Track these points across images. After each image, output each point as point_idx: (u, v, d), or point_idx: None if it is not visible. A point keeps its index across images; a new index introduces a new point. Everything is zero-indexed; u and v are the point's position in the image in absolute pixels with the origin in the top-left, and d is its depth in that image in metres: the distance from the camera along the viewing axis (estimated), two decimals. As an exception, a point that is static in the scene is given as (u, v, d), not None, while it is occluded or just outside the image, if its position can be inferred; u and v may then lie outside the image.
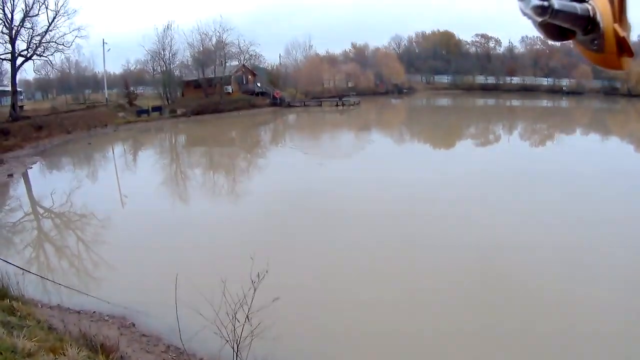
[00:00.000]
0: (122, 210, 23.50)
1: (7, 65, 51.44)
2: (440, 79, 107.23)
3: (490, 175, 27.50)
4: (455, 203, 21.21)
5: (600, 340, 10.72)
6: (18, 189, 28.77)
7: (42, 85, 75.55)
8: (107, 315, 11.98)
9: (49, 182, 30.03)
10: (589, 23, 1.22)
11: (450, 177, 26.83)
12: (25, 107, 56.47)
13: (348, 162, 33.82)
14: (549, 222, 18.49)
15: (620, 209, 19.49)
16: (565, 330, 11.14)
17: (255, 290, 6.84)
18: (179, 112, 64.75)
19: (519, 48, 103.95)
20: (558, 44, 1.42)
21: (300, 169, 32.22)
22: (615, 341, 10.61)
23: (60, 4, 50.85)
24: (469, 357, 10.64)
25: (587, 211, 19.68)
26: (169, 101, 69.01)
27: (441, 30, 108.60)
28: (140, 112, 62.75)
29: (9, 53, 48.23)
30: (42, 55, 51.75)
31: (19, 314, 9.14)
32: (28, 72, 75.27)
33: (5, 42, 47.94)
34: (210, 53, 73.11)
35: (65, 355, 6.75)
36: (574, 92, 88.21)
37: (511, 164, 31.43)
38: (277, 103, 75.58)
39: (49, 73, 65.22)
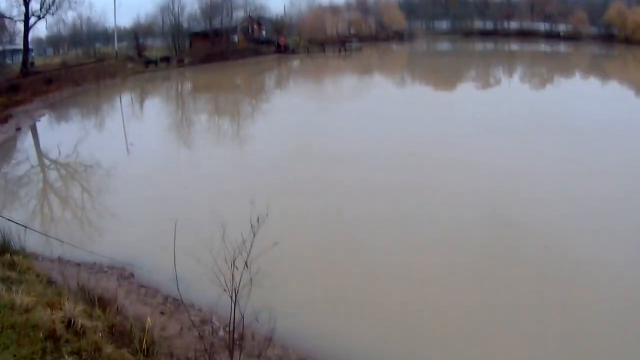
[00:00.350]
0: (127, 158, 23.19)
1: (20, 25, 50.83)
2: (440, 25, 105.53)
3: (492, 119, 26.83)
4: (456, 146, 20.97)
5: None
6: (26, 142, 28.49)
7: (54, 41, 75.11)
8: (107, 267, 11.71)
9: (57, 134, 29.71)
10: None
11: (452, 121, 26.40)
12: (36, 63, 56.04)
13: (350, 106, 33.27)
14: (550, 164, 18.23)
15: (622, 152, 18.98)
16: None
17: (254, 235, 6.27)
18: (186, 61, 64.35)
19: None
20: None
21: (302, 113, 31.77)
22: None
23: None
24: (470, 291, 10.65)
25: (590, 154, 19.32)
26: (177, 52, 68.49)
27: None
28: (148, 62, 62.33)
29: (22, 15, 47.81)
30: (54, 14, 51.70)
31: (18, 268, 8.95)
32: (40, 29, 75.43)
33: (20, 5, 47.63)
34: (218, 5, 72.52)
35: (62, 310, 6.46)
36: (571, 38, 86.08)
37: (512, 108, 30.64)
38: (282, 50, 75.93)
39: (60, 29, 65.22)
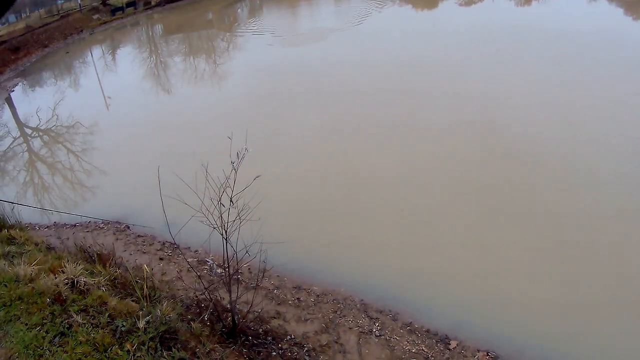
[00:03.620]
0: (107, 113, 22.85)
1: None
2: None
3: (477, 36, 25.75)
4: (444, 63, 20.47)
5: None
6: (4, 116, 27.89)
7: (15, 7, 72.00)
8: (103, 223, 11.81)
9: (33, 100, 29.00)
10: None
11: (437, 39, 25.67)
12: (0, 33, 54.02)
13: (328, 32, 31.79)
14: (539, 77, 17.75)
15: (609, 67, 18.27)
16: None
17: (236, 171, 6.28)
18: (153, 2, 61.79)
19: None
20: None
21: (277, 44, 30.55)
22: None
23: None
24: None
25: (577, 67, 18.65)
26: (143, -7, 65.64)
27: None
28: (115, 10, 60.02)
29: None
30: None
31: (17, 241, 9.03)
32: (-3, -3, 71.99)
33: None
34: None
35: (64, 273, 6.64)
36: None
37: (497, 24, 29.01)
38: (253, -24, 71.53)
39: (19, -7, 62.32)
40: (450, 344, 7.79)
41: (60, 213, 12.53)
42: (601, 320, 7.97)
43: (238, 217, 6.58)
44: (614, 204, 10.45)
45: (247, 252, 6.80)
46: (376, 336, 7.93)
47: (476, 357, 7.53)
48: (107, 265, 8.05)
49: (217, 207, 6.46)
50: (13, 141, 21.77)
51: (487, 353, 7.55)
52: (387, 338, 7.90)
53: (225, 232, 6.58)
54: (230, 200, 6.45)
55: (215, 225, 6.53)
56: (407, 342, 7.82)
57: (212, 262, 8.30)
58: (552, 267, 9.09)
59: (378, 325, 8.16)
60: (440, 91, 17.45)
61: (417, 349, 7.67)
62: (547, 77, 17.49)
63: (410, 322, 8.25)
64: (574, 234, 9.78)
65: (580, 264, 9.06)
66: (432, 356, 7.55)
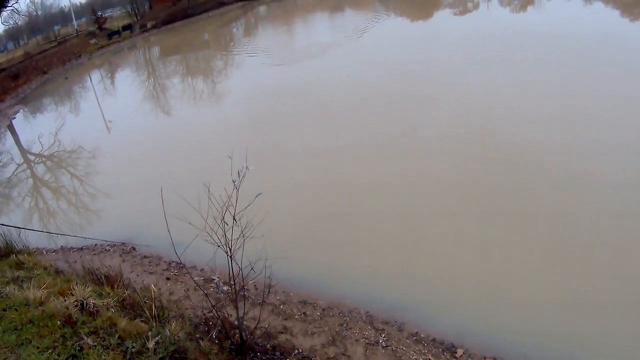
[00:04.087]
0: (108, 136, 23.10)
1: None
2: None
3: (476, 42, 25.75)
4: (444, 70, 20.52)
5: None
6: (6, 143, 28.22)
7: (12, 35, 72.48)
8: (109, 245, 11.91)
9: (35, 127, 29.35)
10: None
11: (435, 47, 25.60)
12: (-1, 61, 54.56)
13: (325, 47, 31.67)
14: (538, 80, 17.76)
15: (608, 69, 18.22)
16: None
17: (237, 189, 6.40)
18: (149, 25, 62.66)
19: None
20: None
21: (273, 62, 30.68)
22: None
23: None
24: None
25: (576, 69, 18.65)
26: (138, 17, 66.39)
27: None
28: (111, 34, 60.83)
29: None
30: (6, 6, 48.88)
31: (25, 265, 9.13)
32: (-5, 26, 72.88)
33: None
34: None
35: (73, 295, 6.72)
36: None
37: (494, 31, 29.21)
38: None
39: (16, 21, 63.03)
40: (456, 353, 7.84)
41: (66, 237, 12.63)
42: (608, 321, 8.01)
43: (242, 235, 6.69)
44: (617, 204, 10.50)
45: (252, 268, 6.89)
46: (383, 347, 7.99)
47: (483, 364, 7.59)
48: (115, 286, 8.12)
49: (221, 225, 6.57)
50: (17, 168, 22.00)
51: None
52: (394, 349, 7.95)
53: (230, 249, 6.67)
54: (234, 219, 6.56)
55: (220, 244, 6.63)
56: (414, 352, 7.87)
57: (218, 279, 8.41)
58: (557, 271, 9.12)
59: (384, 336, 8.22)
60: (442, 97, 17.59)
61: (424, 359, 7.73)
62: (547, 81, 17.55)
63: (416, 332, 8.31)
64: (579, 237, 9.82)
65: (586, 266, 9.08)
66: (439, 365, 7.62)
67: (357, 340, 8.16)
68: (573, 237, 9.79)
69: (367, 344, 8.07)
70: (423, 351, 7.87)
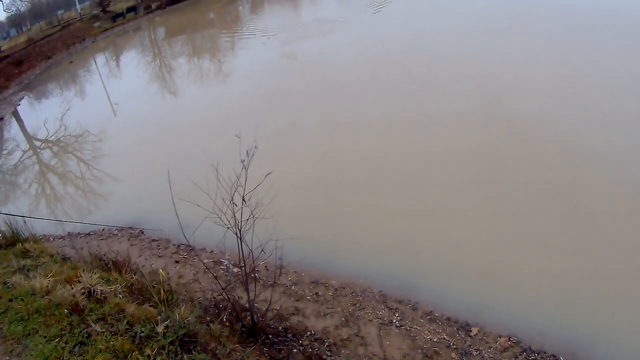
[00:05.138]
0: (115, 118, 22.95)
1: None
2: None
3: (486, 15, 24.61)
4: (454, 43, 20.10)
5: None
6: (12, 130, 28.14)
7: (15, 21, 72.35)
8: (116, 229, 11.83)
9: (40, 112, 29.24)
10: None
11: (446, 21, 24.72)
12: (2, 47, 54.26)
13: (334, 22, 30.89)
14: (547, 54, 17.32)
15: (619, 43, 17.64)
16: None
17: (246, 169, 6.23)
18: (153, 6, 62.02)
19: None
20: None
21: (280, 38, 30.25)
22: None
23: None
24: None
25: (587, 42, 17.99)
26: (143, -1, 65.69)
27: None
28: (116, 16, 60.34)
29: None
30: None
31: (32, 254, 9.07)
32: (-1, 13, 72.66)
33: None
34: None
35: (80, 283, 6.63)
36: None
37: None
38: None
39: (19, 7, 62.77)
40: (471, 331, 7.71)
41: (74, 223, 12.57)
42: (628, 297, 7.84)
43: (251, 216, 6.54)
44: (627, 177, 10.28)
45: (262, 250, 6.76)
46: (397, 327, 7.87)
47: (498, 342, 7.45)
48: (123, 271, 8.04)
49: (230, 206, 6.42)
50: (23, 154, 21.93)
51: (509, 338, 7.46)
52: (408, 328, 7.83)
53: (240, 231, 6.54)
54: (243, 199, 6.41)
55: (229, 225, 6.49)
56: (428, 331, 7.75)
57: (228, 262, 8.29)
58: (571, 245, 8.96)
59: (398, 316, 8.09)
60: (449, 73, 17.26)
61: (438, 338, 7.60)
62: (556, 53, 17.20)
63: (431, 311, 8.17)
64: (591, 211, 9.62)
65: (601, 240, 8.91)
66: (453, 344, 7.48)
67: (370, 321, 8.04)
68: (588, 214, 9.59)
69: (380, 324, 7.96)
70: (437, 330, 7.75)
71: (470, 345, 7.42)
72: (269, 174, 6.57)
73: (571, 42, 18.29)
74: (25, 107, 32.90)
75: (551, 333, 7.47)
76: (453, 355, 7.28)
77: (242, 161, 6.29)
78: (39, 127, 24.68)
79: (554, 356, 7.11)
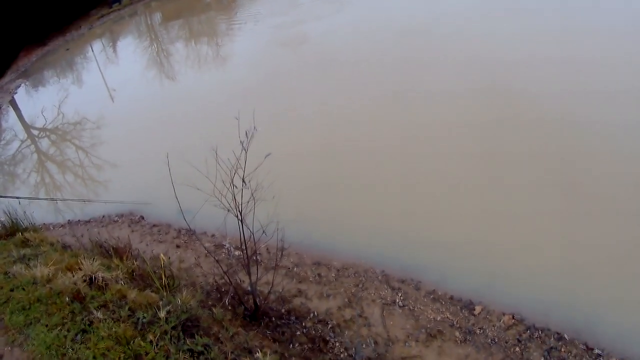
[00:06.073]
0: (112, 105, 22.73)
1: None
2: None
3: None
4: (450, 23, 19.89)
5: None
6: (9, 119, 27.88)
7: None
8: (116, 216, 11.81)
9: (37, 101, 28.94)
10: None
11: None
12: (-3, 35, 53.77)
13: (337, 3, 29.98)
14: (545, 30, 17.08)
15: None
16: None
17: (246, 151, 6.16)
18: (149, -9, 61.26)
19: None
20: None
21: (280, 20, 29.84)
22: None
23: None
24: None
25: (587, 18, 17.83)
26: (139, -17, 64.96)
27: None
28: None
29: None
30: None
31: (32, 243, 9.06)
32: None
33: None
34: None
35: (81, 270, 6.66)
36: None
37: None
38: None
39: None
40: (474, 310, 7.69)
41: (73, 210, 12.56)
42: (634, 275, 7.81)
43: (252, 198, 6.49)
44: (627, 154, 10.21)
45: (263, 232, 6.72)
46: (400, 307, 7.86)
47: (502, 321, 7.44)
48: (124, 258, 8.03)
49: (230, 189, 6.37)
50: (21, 144, 21.78)
51: (513, 316, 7.45)
52: (411, 308, 7.82)
53: (240, 213, 6.50)
54: (243, 181, 6.36)
55: (230, 208, 6.45)
56: (432, 310, 7.74)
57: (229, 245, 8.26)
58: (576, 223, 8.92)
59: (401, 296, 8.08)
60: (449, 53, 17.09)
61: (441, 317, 7.59)
62: (556, 29, 17.04)
63: (434, 290, 8.16)
64: (591, 190, 9.57)
65: (608, 218, 8.86)
66: (457, 323, 7.47)
67: (373, 301, 8.03)
68: (588, 193, 9.53)
69: (383, 304, 7.95)
70: (441, 309, 7.74)
71: (474, 324, 7.41)
72: (268, 154, 6.48)
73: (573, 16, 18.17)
74: (22, 95, 32.61)
75: (556, 311, 7.45)
76: (457, 334, 7.28)
77: (242, 142, 6.22)
78: (36, 116, 24.48)
79: (558, 334, 7.10)
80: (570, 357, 6.73)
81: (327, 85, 16.64)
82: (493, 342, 7.10)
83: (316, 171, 11.86)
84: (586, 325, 7.16)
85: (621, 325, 7.06)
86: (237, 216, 6.53)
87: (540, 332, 7.15)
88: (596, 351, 6.77)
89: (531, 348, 6.94)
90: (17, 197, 10.92)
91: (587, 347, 6.87)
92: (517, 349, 6.96)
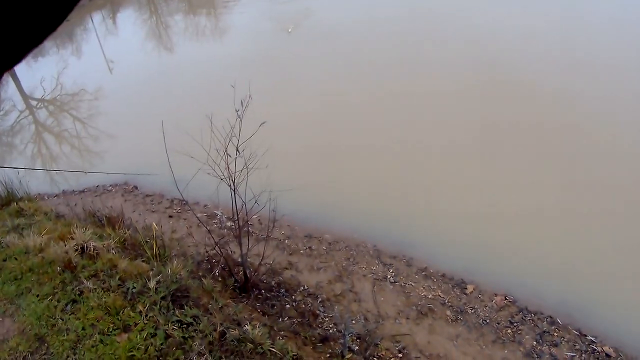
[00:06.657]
0: (111, 76, 22.59)
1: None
2: None
3: None
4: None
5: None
6: (8, 90, 27.58)
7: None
8: (110, 186, 11.76)
9: (37, 72, 28.58)
10: None
11: None
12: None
13: None
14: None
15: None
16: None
17: (241, 119, 6.10)
18: (150, -40, 60.44)
19: None
20: None
21: None
22: None
23: None
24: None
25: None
26: (139, -47, 64.09)
27: None
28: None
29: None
30: None
31: (26, 212, 9.03)
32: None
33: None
34: None
35: (73, 239, 6.63)
36: None
37: None
38: None
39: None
40: (466, 289, 7.70)
41: (68, 181, 12.52)
42: (627, 259, 7.79)
43: (245, 167, 6.44)
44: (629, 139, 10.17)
45: (256, 201, 6.66)
46: (391, 283, 7.86)
47: (494, 301, 7.45)
48: (117, 227, 8.02)
49: (224, 157, 6.33)
50: (19, 115, 21.63)
51: (505, 297, 7.46)
52: (402, 284, 7.82)
53: (233, 182, 6.46)
54: (237, 149, 6.31)
55: (223, 177, 6.40)
56: (423, 288, 7.74)
57: (221, 214, 8.22)
58: (571, 206, 8.90)
59: (392, 272, 8.07)
60: (445, 31, 16.93)
61: (433, 295, 7.59)
62: (557, 13, 16.90)
63: (425, 267, 8.15)
64: (589, 172, 9.54)
65: (599, 201, 8.84)
66: (448, 302, 7.47)
67: (364, 276, 8.03)
68: (586, 175, 9.55)
69: (374, 279, 7.95)
70: (432, 287, 7.74)
71: (465, 303, 7.42)
72: (263, 123, 6.42)
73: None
74: (22, 65, 32.29)
75: (548, 294, 7.46)
76: (448, 312, 7.29)
77: (237, 111, 6.16)
78: (35, 87, 24.30)
79: (550, 317, 7.12)
80: (563, 342, 6.75)
81: (324, 56, 16.51)
82: (485, 322, 7.11)
83: (311, 142, 11.80)
84: (580, 311, 7.17)
85: (613, 309, 7.07)
86: (230, 185, 6.49)
87: (533, 315, 7.16)
88: (589, 337, 6.78)
89: (523, 331, 6.95)
90: (16, 168, 10.81)
91: (580, 332, 6.88)
92: (509, 330, 6.98)
